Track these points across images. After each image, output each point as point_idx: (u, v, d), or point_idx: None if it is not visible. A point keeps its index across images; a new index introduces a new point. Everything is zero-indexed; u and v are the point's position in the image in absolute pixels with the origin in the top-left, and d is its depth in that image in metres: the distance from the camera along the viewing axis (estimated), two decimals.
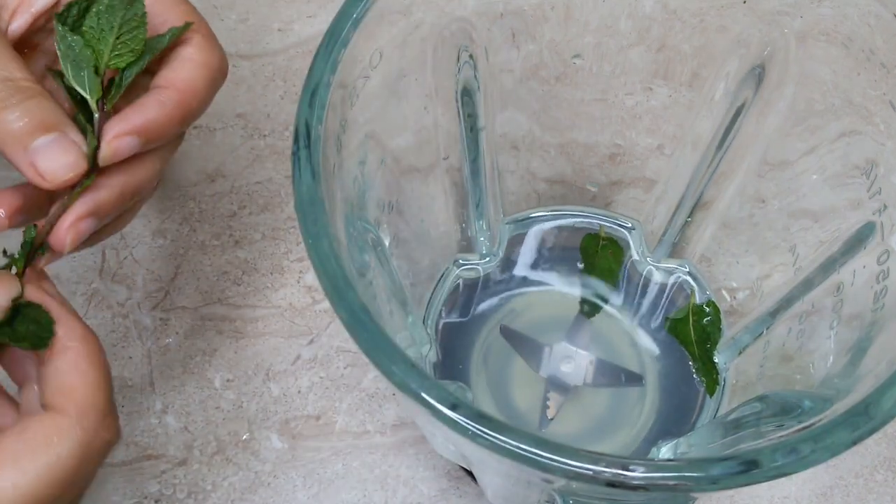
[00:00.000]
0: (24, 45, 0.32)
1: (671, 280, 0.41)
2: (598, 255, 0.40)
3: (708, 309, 0.39)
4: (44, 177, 0.28)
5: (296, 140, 0.25)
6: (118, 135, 0.29)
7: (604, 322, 0.40)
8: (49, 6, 0.31)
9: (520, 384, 0.39)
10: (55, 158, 0.28)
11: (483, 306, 0.40)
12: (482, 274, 0.41)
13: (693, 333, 0.39)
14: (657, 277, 0.41)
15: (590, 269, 0.40)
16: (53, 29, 0.30)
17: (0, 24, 0.31)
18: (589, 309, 0.40)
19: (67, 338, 0.28)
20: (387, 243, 0.34)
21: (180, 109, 0.30)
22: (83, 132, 0.29)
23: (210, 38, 0.32)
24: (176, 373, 0.41)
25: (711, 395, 0.38)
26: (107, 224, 0.31)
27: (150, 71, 0.32)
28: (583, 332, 0.39)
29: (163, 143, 0.31)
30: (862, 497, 0.39)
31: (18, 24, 0.31)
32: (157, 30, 0.32)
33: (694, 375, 0.38)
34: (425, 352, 0.38)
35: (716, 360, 0.38)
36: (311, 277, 0.43)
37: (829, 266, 0.32)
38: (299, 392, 0.41)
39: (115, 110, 0.30)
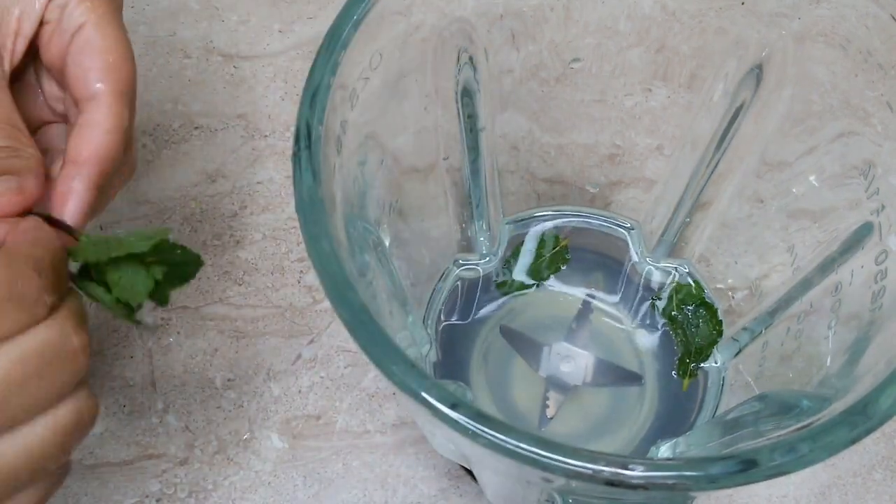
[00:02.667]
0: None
1: (670, 280, 0.41)
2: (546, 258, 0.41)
3: (703, 310, 0.39)
4: None
5: (296, 141, 0.25)
6: (77, 227, 0.30)
7: (603, 322, 0.40)
8: (35, 28, 0.32)
9: (519, 384, 0.39)
10: None
11: (483, 306, 0.40)
12: (482, 274, 0.41)
13: (686, 331, 0.39)
14: (656, 277, 0.41)
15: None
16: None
17: (5, 59, 0.31)
18: (589, 309, 0.40)
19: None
20: (387, 243, 0.34)
21: (102, 179, 0.31)
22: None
23: (120, 96, 0.32)
24: (177, 372, 0.41)
25: (684, 388, 0.38)
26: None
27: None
28: (582, 331, 0.39)
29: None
30: (860, 496, 0.39)
31: (19, 53, 0.32)
32: (83, 45, 0.32)
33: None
34: (425, 351, 0.38)
35: (692, 363, 0.39)
36: (311, 277, 0.44)
37: (828, 266, 0.32)
38: (300, 392, 0.41)
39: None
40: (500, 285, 0.41)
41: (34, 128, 0.35)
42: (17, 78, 0.34)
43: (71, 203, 0.30)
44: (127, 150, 0.33)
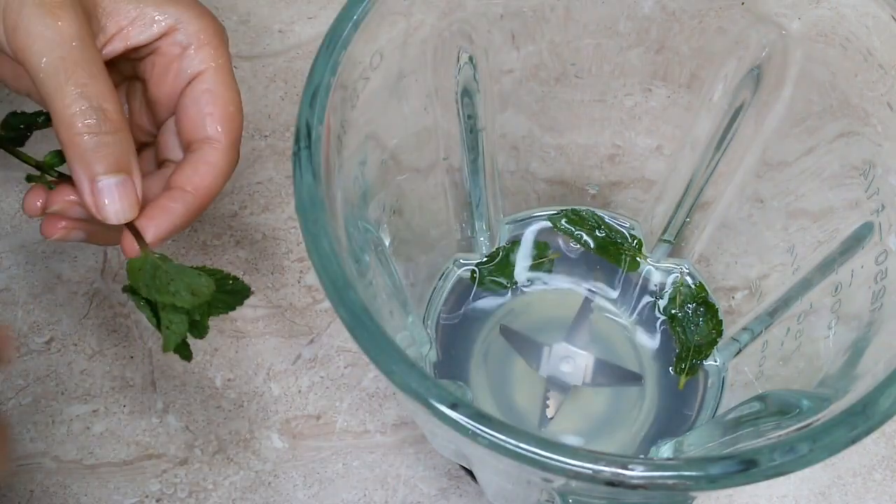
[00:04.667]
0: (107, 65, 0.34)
1: (670, 280, 0.41)
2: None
3: (703, 309, 0.39)
4: (99, 213, 0.31)
5: (297, 141, 0.25)
6: (152, 242, 0.32)
7: (603, 322, 0.40)
8: (143, 44, 0.34)
9: (519, 384, 0.39)
10: (114, 201, 0.31)
11: (483, 306, 0.40)
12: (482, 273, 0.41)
13: (686, 329, 0.39)
14: (656, 277, 0.41)
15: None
16: (134, 58, 0.34)
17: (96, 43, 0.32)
18: (588, 309, 0.40)
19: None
20: (387, 243, 0.34)
21: (197, 212, 0.33)
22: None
23: (235, 144, 0.34)
24: (177, 372, 0.41)
25: (680, 387, 0.38)
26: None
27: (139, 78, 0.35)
28: (582, 331, 0.39)
29: None
30: (860, 496, 0.39)
31: (110, 50, 0.33)
32: (203, 93, 0.34)
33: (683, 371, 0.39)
34: (425, 351, 0.38)
35: (690, 361, 0.39)
36: (311, 277, 0.44)
37: (828, 266, 0.32)
38: (300, 392, 0.41)
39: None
40: (477, 279, 0.41)
41: None
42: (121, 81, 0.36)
43: (163, 219, 0.32)
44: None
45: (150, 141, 0.37)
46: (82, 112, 0.30)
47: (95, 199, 0.31)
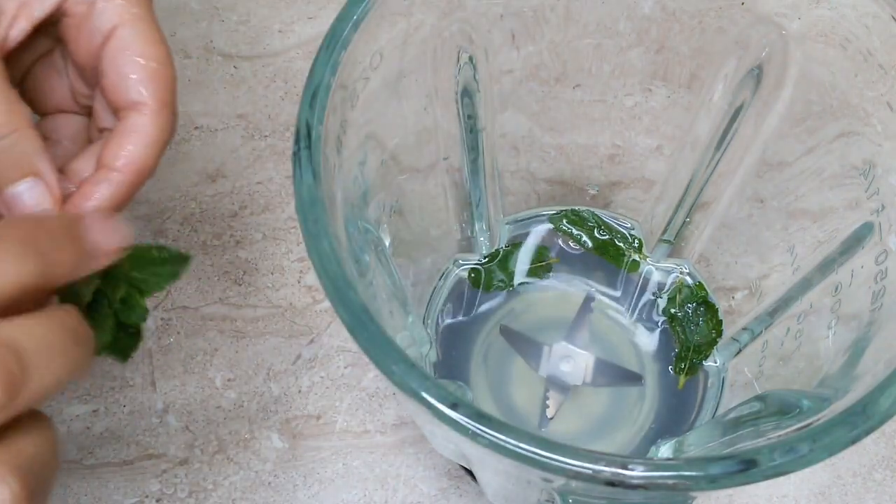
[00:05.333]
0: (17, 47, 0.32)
1: (670, 280, 0.41)
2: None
3: (703, 309, 0.39)
4: None
5: (297, 141, 0.25)
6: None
7: (603, 322, 0.40)
8: (47, 14, 0.31)
9: (519, 384, 0.39)
10: (27, 209, 0.29)
11: (483, 306, 0.40)
12: (482, 273, 0.41)
13: (685, 328, 0.39)
14: (656, 277, 0.41)
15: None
16: (45, 32, 0.31)
17: None
18: (589, 309, 0.40)
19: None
20: (387, 243, 0.34)
21: (131, 190, 0.30)
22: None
23: (165, 105, 0.31)
24: (177, 372, 0.41)
25: (680, 386, 0.38)
26: None
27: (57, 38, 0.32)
28: (582, 331, 0.39)
29: None
30: (860, 496, 0.39)
31: (17, 32, 0.31)
32: (120, 51, 0.30)
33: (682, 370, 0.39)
34: (425, 351, 0.38)
35: (689, 361, 0.39)
36: (311, 277, 0.44)
37: (828, 266, 0.32)
38: (300, 392, 0.41)
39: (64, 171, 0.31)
40: (474, 280, 0.41)
41: (44, 113, 0.34)
42: (41, 58, 0.33)
43: (91, 206, 0.30)
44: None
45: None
46: None
47: (9, 210, 0.29)
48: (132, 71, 0.30)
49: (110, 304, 0.29)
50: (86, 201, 0.30)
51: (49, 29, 0.32)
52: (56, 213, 0.29)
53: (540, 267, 0.41)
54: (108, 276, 0.28)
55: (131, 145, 0.30)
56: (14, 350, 0.22)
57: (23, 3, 0.30)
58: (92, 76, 0.32)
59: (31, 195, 0.29)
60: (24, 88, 0.33)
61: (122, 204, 0.30)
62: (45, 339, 0.23)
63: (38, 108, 0.34)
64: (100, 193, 0.30)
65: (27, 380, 0.22)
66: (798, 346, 0.33)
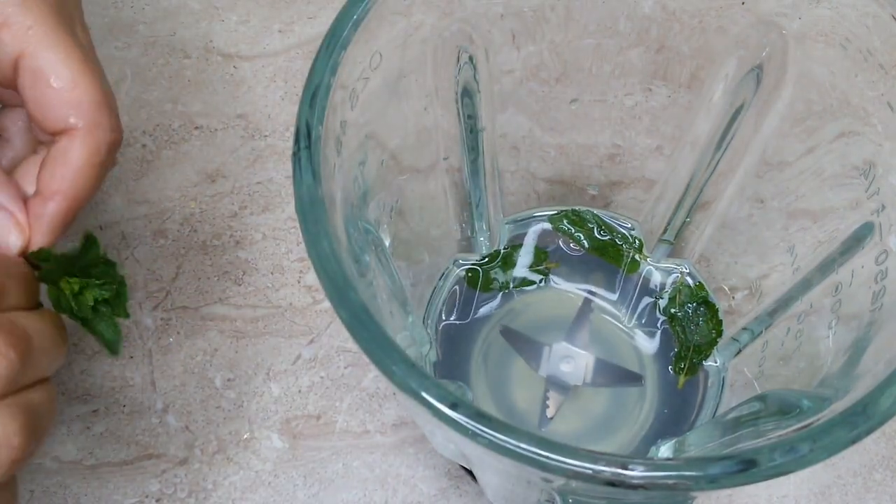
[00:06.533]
0: None
1: (670, 280, 0.41)
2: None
3: (704, 309, 0.39)
4: None
5: (296, 141, 0.25)
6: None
7: (603, 322, 0.40)
8: None
9: (520, 384, 0.39)
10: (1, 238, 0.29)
11: (483, 306, 0.40)
12: (482, 274, 0.41)
13: (685, 328, 0.39)
14: (656, 277, 0.41)
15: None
16: None
17: None
18: (589, 308, 0.40)
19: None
20: (387, 243, 0.34)
21: (71, 214, 0.30)
22: None
23: (97, 125, 0.29)
24: (177, 372, 0.41)
25: (680, 386, 0.38)
26: None
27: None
28: (582, 331, 0.39)
29: None
30: (860, 496, 0.39)
31: None
32: (32, 83, 0.29)
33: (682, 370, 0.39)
34: (425, 351, 0.38)
35: (689, 360, 0.39)
36: (311, 277, 0.44)
37: (828, 266, 0.32)
38: (300, 392, 0.41)
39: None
40: (471, 280, 0.41)
41: None
42: None
43: (35, 231, 0.30)
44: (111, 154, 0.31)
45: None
46: None
47: None
48: (50, 99, 0.29)
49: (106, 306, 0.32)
50: (36, 234, 0.30)
51: None
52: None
53: (539, 271, 0.41)
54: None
55: (61, 174, 0.29)
56: (24, 331, 0.28)
57: None
58: (16, 103, 0.31)
59: (3, 227, 0.29)
60: None
61: (65, 226, 0.30)
62: (43, 330, 0.29)
63: None
64: (39, 230, 0.30)
65: (34, 355, 0.28)
66: (798, 346, 0.33)
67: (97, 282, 0.31)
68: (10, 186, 0.30)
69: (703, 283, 0.40)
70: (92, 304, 0.31)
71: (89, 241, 0.31)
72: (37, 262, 0.30)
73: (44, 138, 0.31)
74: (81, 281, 0.31)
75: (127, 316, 0.32)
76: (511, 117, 0.38)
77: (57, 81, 0.29)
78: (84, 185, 0.30)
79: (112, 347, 0.32)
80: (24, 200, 0.30)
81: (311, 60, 0.26)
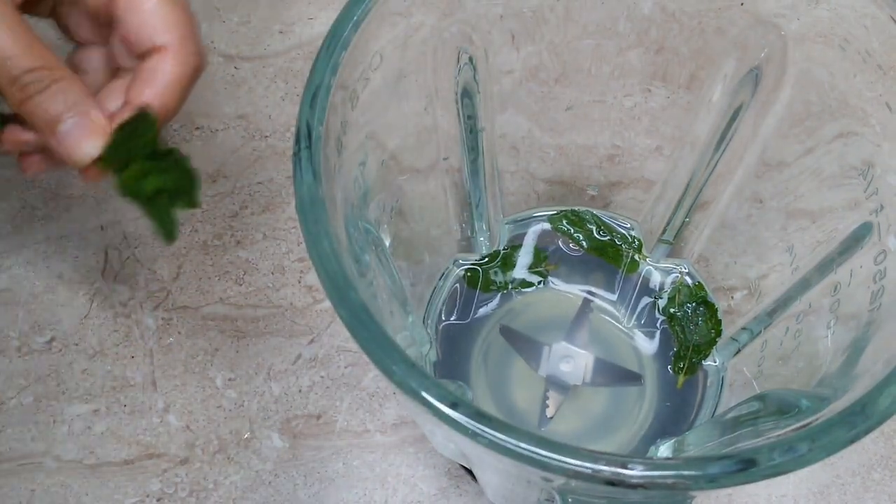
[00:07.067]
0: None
1: (669, 280, 0.41)
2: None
3: (703, 308, 0.40)
4: (69, 160, 0.31)
5: (297, 141, 0.25)
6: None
7: (602, 322, 0.40)
8: None
9: (519, 383, 0.39)
10: (78, 145, 0.31)
11: (483, 306, 0.40)
12: (482, 274, 0.41)
13: (685, 328, 0.39)
14: (656, 277, 0.41)
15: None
16: None
17: None
18: (588, 308, 0.40)
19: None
20: (387, 243, 0.34)
21: (158, 125, 0.32)
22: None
23: (186, 45, 0.32)
24: (178, 372, 0.42)
25: (679, 386, 0.38)
26: None
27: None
28: (582, 331, 0.39)
29: None
30: (859, 495, 0.39)
31: None
32: (130, 7, 0.32)
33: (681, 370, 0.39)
34: (425, 351, 0.38)
35: (688, 360, 0.39)
36: (311, 277, 0.44)
37: (827, 266, 0.33)
38: (300, 391, 0.41)
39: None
40: (477, 281, 0.41)
41: (72, 42, 0.36)
42: None
43: None
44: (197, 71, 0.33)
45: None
46: (13, 81, 0.30)
47: (62, 147, 0.31)
48: (144, 19, 0.32)
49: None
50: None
51: None
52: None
53: (538, 272, 0.41)
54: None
55: (152, 86, 0.32)
56: None
57: None
58: (105, 20, 0.34)
59: (81, 130, 0.31)
60: (57, 27, 0.35)
61: None
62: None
63: (67, 38, 0.36)
64: None
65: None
66: (797, 345, 0.33)
67: (164, 166, 0.32)
68: (93, 98, 0.32)
69: (703, 282, 0.40)
70: (152, 191, 0.32)
71: (143, 114, 0.32)
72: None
73: (128, 64, 0.34)
74: (144, 165, 0.32)
75: (194, 206, 0.33)
76: (511, 118, 0.38)
77: (151, 5, 0.32)
78: (171, 100, 0.32)
79: (167, 235, 0.32)
80: (110, 115, 0.32)
81: (312, 61, 0.26)
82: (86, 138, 0.31)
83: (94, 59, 0.35)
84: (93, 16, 0.34)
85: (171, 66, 0.32)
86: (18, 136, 0.33)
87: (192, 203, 0.33)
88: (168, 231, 0.32)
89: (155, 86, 0.32)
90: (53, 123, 0.31)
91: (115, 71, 0.35)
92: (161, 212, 0.32)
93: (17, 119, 0.33)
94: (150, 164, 0.32)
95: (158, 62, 0.32)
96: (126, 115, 0.32)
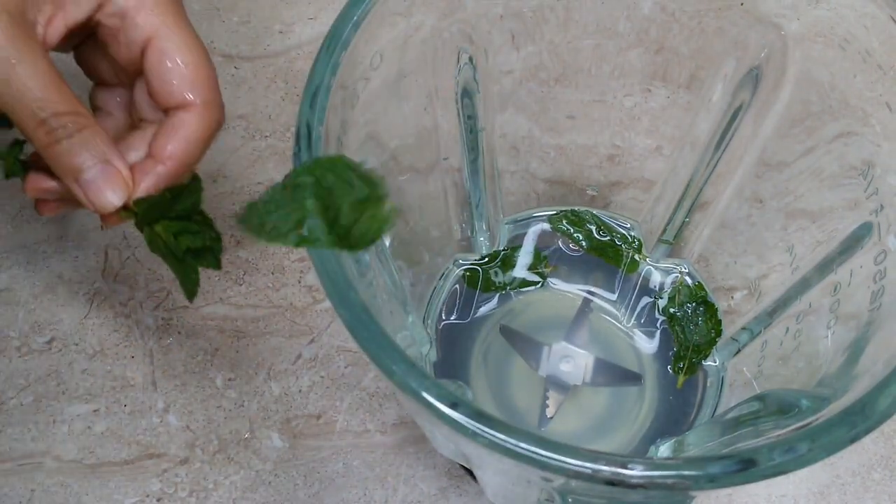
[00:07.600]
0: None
1: (669, 280, 0.41)
2: None
3: (703, 308, 0.40)
4: (93, 206, 0.32)
5: (297, 141, 0.25)
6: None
7: (602, 321, 0.40)
8: (80, 22, 0.33)
9: (519, 383, 0.39)
10: (102, 193, 0.32)
11: (483, 306, 0.40)
12: (482, 274, 0.41)
13: (685, 328, 0.39)
14: (656, 277, 0.41)
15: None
16: (77, 37, 0.34)
17: (37, 29, 0.32)
18: (588, 308, 0.40)
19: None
20: (387, 243, 0.34)
21: (176, 177, 0.33)
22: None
23: (210, 102, 0.33)
24: (178, 372, 0.42)
25: (679, 386, 0.38)
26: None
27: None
28: (582, 331, 0.39)
29: None
30: (859, 495, 0.39)
31: (54, 32, 0.32)
32: (160, 61, 0.33)
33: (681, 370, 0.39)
34: (425, 351, 0.38)
35: (688, 360, 0.39)
36: (311, 277, 0.44)
37: (827, 266, 0.33)
38: (300, 391, 0.41)
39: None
40: (481, 283, 0.41)
41: (93, 82, 0.37)
42: (87, 38, 0.35)
43: (139, 187, 0.33)
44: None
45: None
46: (40, 124, 0.31)
47: (86, 195, 0.32)
48: (173, 77, 0.33)
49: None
50: (136, 188, 0.33)
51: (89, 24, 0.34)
52: None
53: (538, 272, 0.41)
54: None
55: (176, 141, 0.33)
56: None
57: (57, 4, 0.32)
58: (131, 74, 0.35)
59: (105, 180, 0.32)
60: (76, 61, 0.36)
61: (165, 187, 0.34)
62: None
63: (87, 75, 0.37)
64: (146, 183, 0.33)
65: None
66: (797, 345, 0.33)
67: (195, 227, 0.33)
68: (117, 149, 0.33)
69: (703, 282, 0.40)
70: (184, 250, 0.33)
71: (195, 183, 0.33)
72: (135, 210, 0.33)
73: (150, 116, 0.35)
74: (180, 224, 0.33)
75: (218, 267, 0.33)
76: (511, 118, 0.38)
77: (182, 62, 0.33)
78: (194, 153, 0.33)
79: (190, 293, 0.33)
80: (132, 166, 0.33)
81: (312, 61, 0.26)
82: (109, 188, 0.32)
83: (114, 100, 0.36)
84: (121, 65, 0.35)
85: (196, 123, 0.33)
86: (41, 184, 0.34)
87: (216, 264, 0.33)
88: (192, 289, 0.33)
89: (179, 141, 0.33)
90: (77, 171, 0.32)
91: (133, 116, 0.36)
92: (188, 270, 0.33)
93: (35, 161, 0.34)
94: (181, 223, 0.33)
95: (184, 118, 0.33)
96: (149, 166, 0.33)
